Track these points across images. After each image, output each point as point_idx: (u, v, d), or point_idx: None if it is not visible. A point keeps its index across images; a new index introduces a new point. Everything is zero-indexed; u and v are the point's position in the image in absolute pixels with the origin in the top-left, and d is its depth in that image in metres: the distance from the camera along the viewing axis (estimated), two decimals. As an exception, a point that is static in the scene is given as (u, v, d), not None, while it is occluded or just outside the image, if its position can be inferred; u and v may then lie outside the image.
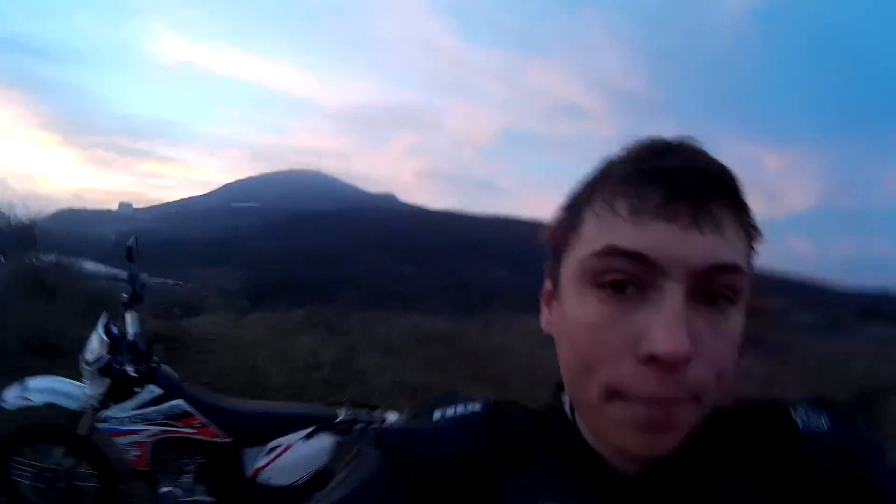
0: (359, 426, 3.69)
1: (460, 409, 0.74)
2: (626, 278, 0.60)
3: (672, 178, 0.60)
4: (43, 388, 3.69)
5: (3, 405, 3.59)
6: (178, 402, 3.53)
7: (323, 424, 3.64)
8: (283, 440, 3.56)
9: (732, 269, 0.61)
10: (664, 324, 0.57)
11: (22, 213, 12.13)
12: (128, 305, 3.77)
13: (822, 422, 0.69)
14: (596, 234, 0.63)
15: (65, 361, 4.52)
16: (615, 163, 0.67)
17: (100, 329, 3.65)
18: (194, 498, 3.56)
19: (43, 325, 7.16)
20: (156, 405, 3.50)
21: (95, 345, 3.59)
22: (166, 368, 3.78)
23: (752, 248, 0.66)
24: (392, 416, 3.72)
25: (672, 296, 0.58)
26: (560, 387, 0.77)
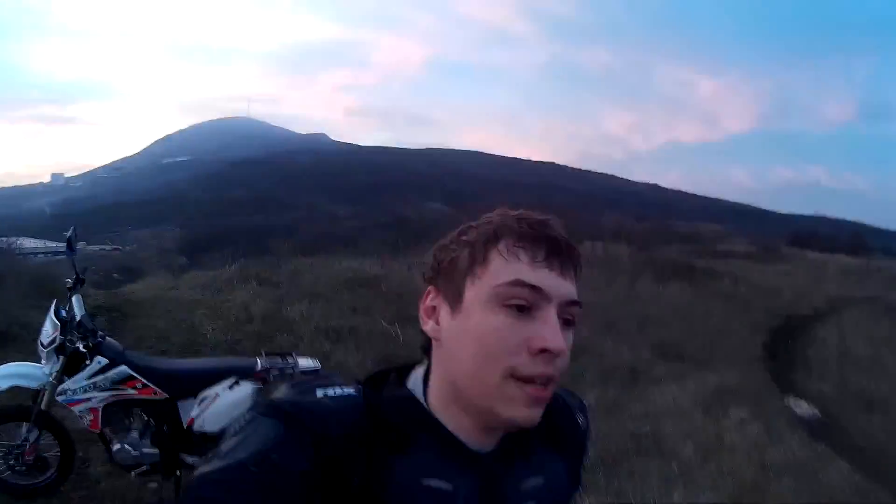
0: (274, 373, 4.16)
1: (338, 390, 0.90)
2: (525, 303, 0.87)
3: (552, 242, 0.90)
4: (5, 374, 4.10)
5: None
6: (122, 368, 3.94)
7: (244, 374, 4.02)
8: (211, 391, 3.90)
9: (577, 304, 0.91)
10: (552, 330, 0.86)
11: None
12: (73, 290, 4.14)
13: (575, 403, 1.13)
14: (505, 271, 0.88)
15: (19, 346, 4.92)
16: (509, 224, 0.92)
17: (51, 314, 4.05)
18: (142, 451, 3.99)
19: None
20: (104, 373, 3.91)
21: (49, 328, 4.01)
22: (111, 340, 4.16)
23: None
24: (303, 362, 4.37)
25: (552, 315, 0.87)
26: (400, 380, 0.99)
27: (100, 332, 4.13)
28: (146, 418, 4.09)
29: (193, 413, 3.92)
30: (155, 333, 7.79)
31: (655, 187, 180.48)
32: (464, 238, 0.95)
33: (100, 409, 3.95)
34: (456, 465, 0.91)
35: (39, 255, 12.07)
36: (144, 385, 3.97)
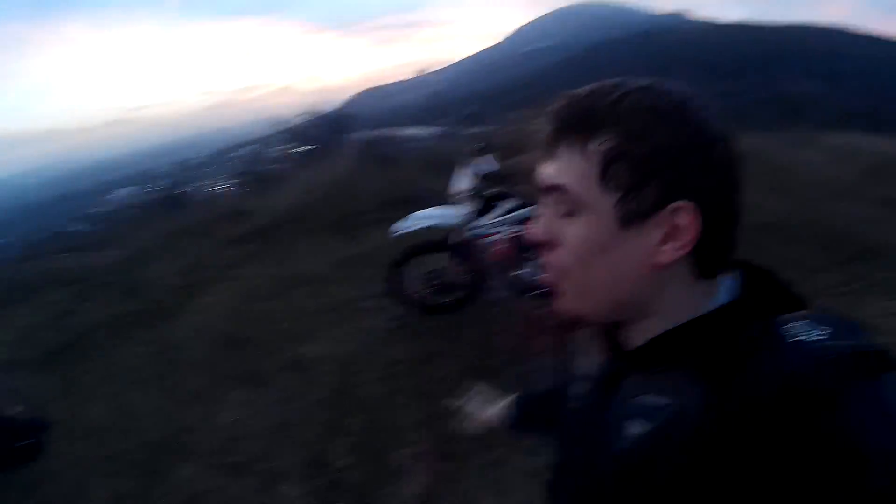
0: None
1: None
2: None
3: (551, 123, 0.79)
4: (424, 216, 4.78)
5: (393, 234, 4.72)
6: (527, 210, 4.43)
7: None
8: None
9: (555, 188, 0.77)
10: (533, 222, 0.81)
11: (322, 106, 12.90)
12: (482, 153, 4.74)
13: (820, 334, 0.69)
14: None
15: (420, 207, 5.30)
16: None
17: (467, 168, 4.67)
18: (535, 277, 4.49)
19: (393, 185, 8.25)
20: (511, 213, 4.48)
21: (466, 179, 4.61)
22: (516, 190, 4.64)
23: (614, 167, 0.74)
24: None
25: (539, 207, 0.81)
26: None
27: (507, 184, 4.68)
28: None
29: None
30: None
31: None
32: None
33: (505, 242, 4.50)
34: (601, 354, 0.92)
35: (413, 143, 13.19)
36: None
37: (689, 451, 0.70)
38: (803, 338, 0.69)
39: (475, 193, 4.52)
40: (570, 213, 0.77)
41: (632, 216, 0.75)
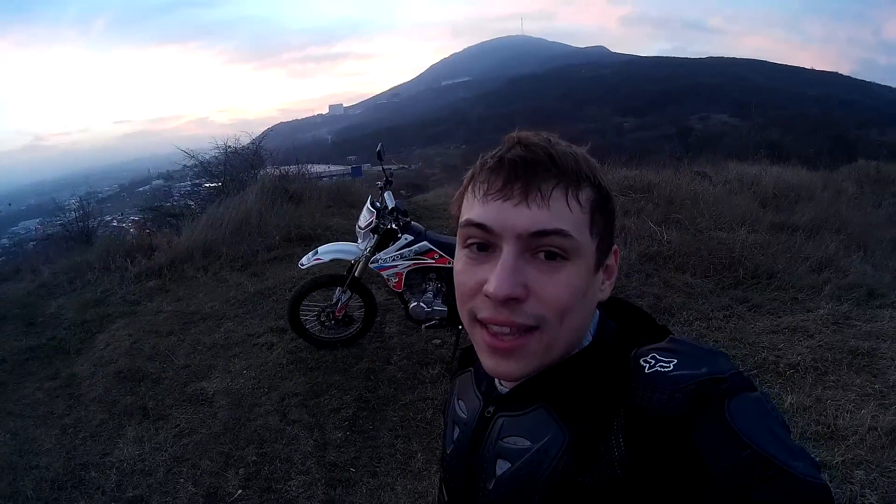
0: None
1: None
2: (481, 241, 0.80)
3: (511, 167, 0.79)
4: (328, 250, 5.00)
5: (302, 266, 4.95)
6: (424, 243, 4.69)
7: None
8: None
9: (556, 232, 0.77)
10: (496, 273, 0.76)
11: (238, 140, 12.83)
12: (384, 188, 4.89)
13: (676, 362, 0.75)
14: (466, 210, 0.83)
15: (324, 242, 5.54)
16: (483, 159, 0.84)
17: (368, 205, 4.86)
18: (433, 308, 4.76)
19: (297, 222, 8.50)
20: (409, 247, 4.70)
21: (365, 215, 4.83)
22: (415, 223, 4.92)
23: (596, 216, 0.81)
24: None
25: (505, 254, 0.77)
26: None
27: (407, 217, 4.92)
28: (439, 283, 4.87)
29: None
30: (449, 230, 8.09)
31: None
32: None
33: (404, 273, 4.78)
34: (477, 398, 0.98)
35: (324, 178, 13.31)
36: (441, 256, 4.72)
37: (550, 487, 0.79)
38: (659, 368, 0.75)
39: (376, 227, 4.79)
40: (555, 258, 0.78)
41: (602, 259, 0.83)
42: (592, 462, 0.76)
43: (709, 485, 0.65)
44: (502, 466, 0.86)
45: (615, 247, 0.86)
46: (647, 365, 0.76)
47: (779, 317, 4.99)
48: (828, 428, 3.47)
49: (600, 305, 0.90)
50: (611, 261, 0.85)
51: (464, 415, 1.00)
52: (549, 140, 0.81)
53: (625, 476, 0.72)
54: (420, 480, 3.60)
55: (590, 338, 0.86)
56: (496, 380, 0.93)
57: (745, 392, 0.71)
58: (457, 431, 1.00)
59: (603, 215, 0.81)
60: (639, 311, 0.93)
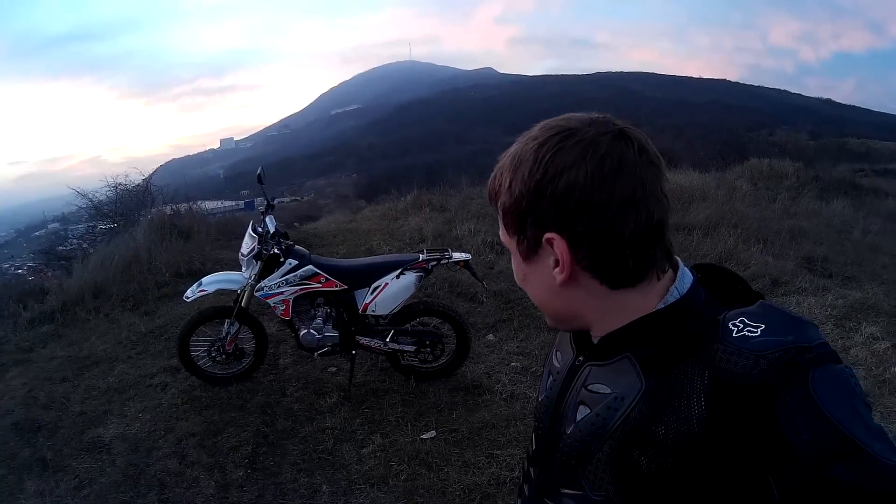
0: (433, 263, 4.88)
1: None
2: None
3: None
4: (212, 281, 5.00)
5: (187, 299, 4.94)
6: (309, 267, 4.75)
7: (408, 265, 4.83)
8: (381, 281, 4.78)
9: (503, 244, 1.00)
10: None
11: (129, 178, 12.77)
12: (265, 213, 4.94)
13: (764, 328, 0.79)
14: None
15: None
16: None
17: (249, 230, 4.87)
18: (324, 334, 4.83)
19: (187, 257, 8.42)
20: (294, 272, 4.75)
21: (248, 242, 4.84)
22: (299, 247, 4.98)
23: (505, 221, 0.96)
24: (457, 255, 4.99)
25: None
26: None
27: (290, 241, 5.00)
28: (328, 308, 4.93)
29: (367, 300, 4.84)
30: (340, 257, 8.32)
31: (829, 102, 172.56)
32: None
33: (291, 300, 4.81)
34: (572, 348, 1.07)
35: (217, 214, 13.47)
36: (327, 279, 4.78)
37: (622, 435, 0.87)
38: (746, 333, 0.80)
39: (258, 254, 4.81)
40: (524, 261, 0.98)
41: (526, 251, 0.96)
42: (669, 415, 0.81)
43: (787, 455, 0.69)
44: (582, 412, 0.94)
45: (549, 236, 0.89)
46: (735, 329, 0.80)
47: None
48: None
49: (695, 269, 0.98)
50: (555, 249, 0.90)
51: (558, 364, 1.11)
52: (498, 163, 0.96)
53: (701, 433, 0.76)
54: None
55: (676, 294, 0.91)
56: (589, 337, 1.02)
57: (830, 363, 0.75)
58: (550, 380, 1.11)
59: (510, 215, 0.94)
60: (733, 275, 0.98)
